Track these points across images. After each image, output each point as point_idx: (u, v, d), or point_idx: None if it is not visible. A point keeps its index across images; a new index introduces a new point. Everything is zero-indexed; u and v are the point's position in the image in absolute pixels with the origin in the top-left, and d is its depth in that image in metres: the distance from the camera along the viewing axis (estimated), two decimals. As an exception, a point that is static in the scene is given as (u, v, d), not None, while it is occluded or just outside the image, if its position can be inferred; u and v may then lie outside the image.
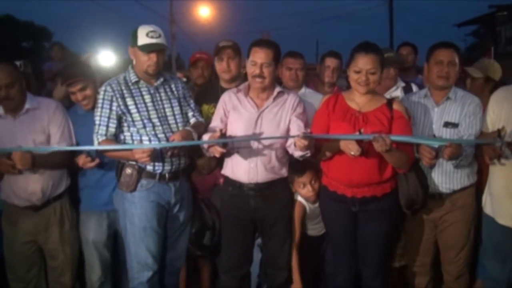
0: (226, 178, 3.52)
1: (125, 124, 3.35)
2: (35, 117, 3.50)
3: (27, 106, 3.49)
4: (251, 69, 3.36)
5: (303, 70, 4.07)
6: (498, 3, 17.38)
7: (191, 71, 4.62)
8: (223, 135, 3.16)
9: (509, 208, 3.18)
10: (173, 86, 3.54)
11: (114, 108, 3.31)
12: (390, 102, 3.30)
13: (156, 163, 3.35)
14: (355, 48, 3.25)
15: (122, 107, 3.32)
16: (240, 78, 3.86)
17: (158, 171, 3.37)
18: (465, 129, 3.35)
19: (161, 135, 3.35)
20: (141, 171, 3.36)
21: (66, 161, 3.51)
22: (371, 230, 3.32)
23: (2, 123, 3.47)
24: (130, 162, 3.35)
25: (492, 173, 3.28)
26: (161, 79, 3.47)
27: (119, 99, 3.32)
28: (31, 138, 3.45)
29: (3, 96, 3.38)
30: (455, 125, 3.39)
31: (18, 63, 3.89)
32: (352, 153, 3.02)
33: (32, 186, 3.48)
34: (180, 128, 3.44)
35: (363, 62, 3.17)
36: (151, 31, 3.32)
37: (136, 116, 3.33)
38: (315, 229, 3.73)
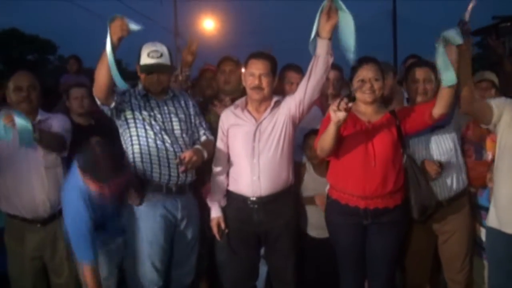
0: (230, 193, 3.51)
1: (133, 125, 3.38)
2: (45, 127, 3.54)
3: (39, 117, 3.57)
4: (249, 81, 3.36)
5: None
6: (502, 14, 17.43)
7: (199, 82, 4.65)
8: None
9: None
10: (182, 102, 3.57)
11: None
12: (393, 111, 3.39)
13: (162, 173, 3.35)
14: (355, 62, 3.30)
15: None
16: (239, 90, 3.87)
17: (164, 182, 3.36)
18: (455, 124, 3.51)
19: (167, 144, 3.37)
20: (147, 184, 3.35)
21: (62, 146, 3.57)
22: (381, 243, 3.31)
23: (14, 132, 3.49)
24: (137, 174, 3.34)
25: (497, 183, 3.27)
26: (170, 94, 3.51)
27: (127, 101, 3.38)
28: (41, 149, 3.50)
29: (25, 96, 3.48)
30: (441, 127, 3.49)
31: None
32: (340, 116, 2.91)
33: (39, 196, 3.49)
34: (187, 141, 3.47)
35: (365, 71, 3.24)
36: (152, 51, 3.35)
37: (140, 126, 3.37)
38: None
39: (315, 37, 3.07)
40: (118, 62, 2.90)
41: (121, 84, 2.91)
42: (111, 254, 3.47)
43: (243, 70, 3.60)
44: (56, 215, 3.57)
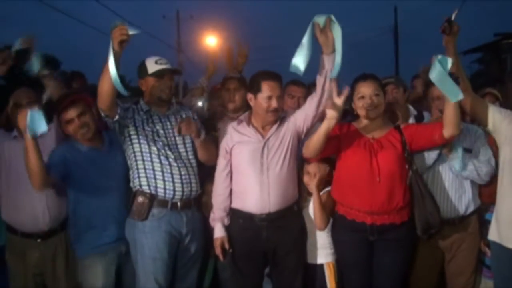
0: (235, 211, 3.44)
1: (136, 141, 3.40)
2: (47, 140, 3.54)
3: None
4: (267, 103, 3.30)
5: (305, 98, 4.08)
6: (503, 31, 17.54)
7: (212, 100, 4.72)
8: None
9: None
10: (184, 116, 3.60)
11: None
12: (398, 126, 3.38)
13: (167, 188, 3.36)
14: (353, 80, 3.35)
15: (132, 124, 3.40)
16: (243, 109, 3.87)
17: (169, 197, 3.37)
18: (480, 156, 3.46)
19: (171, 159, 3.39)
20: (152, 200, 3.36)
21: None
22: (388, 261, 3.29)
23: (17, 144, 3.52)
24: (143, 190, 3.36)
25: (499, 198, 3.27)
26: (172, 109, 3.55)
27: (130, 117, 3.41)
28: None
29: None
30: (469, 151, 3.45)
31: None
32: (334, 113, 3.00)
33: (39, 206, 3.48)
34: (190, 156, 3.49)
35: (365, 87, 3.26)
36: (159, 59, 3.45)
37: (144, 142, 3.39)
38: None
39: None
40: (121, 77, 2.94)
41: (121, 89, 2.97)
42: (108, 263, 3.47)
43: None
44: (57, 230, 3.57)
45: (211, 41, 26.30)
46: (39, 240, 3.53)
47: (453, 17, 3.07)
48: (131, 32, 2.88)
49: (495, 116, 3.19)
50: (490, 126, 3.22)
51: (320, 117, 3.38)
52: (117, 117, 3.25)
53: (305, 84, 4.13)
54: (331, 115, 3.02)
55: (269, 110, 3.31)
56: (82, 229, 3.46)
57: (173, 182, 3.37)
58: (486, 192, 3.54)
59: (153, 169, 3.37)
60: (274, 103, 3.30)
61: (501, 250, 3.20)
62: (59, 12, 14.09)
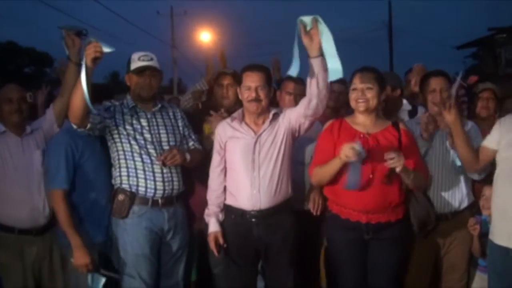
0: (228, 207, 3.44)
1: (118, 140, 3.40)
2: (37, 136, 3.60)
3: (31, 127, 3.60)
4: (245, 94, 3.34)
5: (303, 96, 4.04)
6: (497, 25, 17.62)
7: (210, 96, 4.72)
8: None
9: (505, 229, 3.17)
10: (171, 113, 3.60)
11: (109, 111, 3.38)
12: (396, 123, 3.33)
13: (148, 186, 3.36)
14: (352, 73, 3.31)
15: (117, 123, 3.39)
16: (238, 104, 3.86)
17: (150, 195, 3.37)
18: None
19: (153, 157, 3.38)
20: (133, 197, 3.36)
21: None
22: (383, 260, 3.26)
23: (9, 138, 3.52)
24: (123, 188, 3.37)
25: (493, 195, 3.28)
26: (159, 106, 3.54)
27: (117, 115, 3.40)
28: (38, 153, 3.54)
29: (16, 108, 3.50)
30: None
31: (27, 94, 3.95)
32: (353, 159, 2.95)
33: (38, 201, 3.48)
34: None
35: (359, 80, 3.21)
36: (143, 55, 3.44)
37: (125, 140, 3.39)
38: None
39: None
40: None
41: (90, 106, 2.99)
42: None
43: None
44: (52, 223, 3.54)
45: (205, 36, 26.28)
46: (36, 236, 3.52)
47: (453, 92, 3.11)
48: (105, 49, 2.90)
49: (495, 139, 3.21)
50: (496, 147, 3.22)
51: (316, 118, 3.38)
52: (89, 125, 3.23)
53: (304, 81, 4.07)
54: (344, 158, 2.98)
55: (248, 100, 3.33)
56: (79, 220, 3.46)
57: (154, 180, 3.37)
58: (480, 189, 3.56)
59: (135, 167, 3.37)
60: (252, 93, 3.30)
61: (494, 246, 3.22)
62: (54, 9, 14.08)
